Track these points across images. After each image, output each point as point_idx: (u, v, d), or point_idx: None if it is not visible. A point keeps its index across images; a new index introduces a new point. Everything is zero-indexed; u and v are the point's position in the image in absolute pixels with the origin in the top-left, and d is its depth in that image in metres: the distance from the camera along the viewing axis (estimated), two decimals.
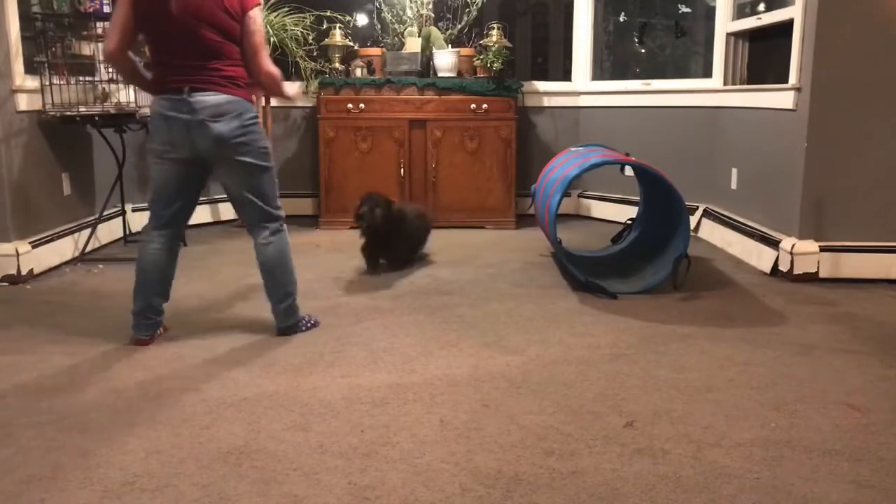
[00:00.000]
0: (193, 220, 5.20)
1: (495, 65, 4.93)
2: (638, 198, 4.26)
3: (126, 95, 4.02)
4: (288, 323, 2.88)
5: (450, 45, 5.21)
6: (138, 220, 4.80)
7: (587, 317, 3.13)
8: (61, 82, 3.82)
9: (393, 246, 3.91)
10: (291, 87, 3.07)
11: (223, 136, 2.61)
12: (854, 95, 3.55)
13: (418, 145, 5.02)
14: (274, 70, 2.71)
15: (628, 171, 4.03)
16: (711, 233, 4.64)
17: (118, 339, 2.81)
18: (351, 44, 5.19)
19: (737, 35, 4.59)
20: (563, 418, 2.16)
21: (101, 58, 3.86)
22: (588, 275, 3.54)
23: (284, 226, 2.84)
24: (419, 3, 5.22)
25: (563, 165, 3.82)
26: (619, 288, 3.47)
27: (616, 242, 4.27)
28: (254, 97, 2.77)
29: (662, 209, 3.72)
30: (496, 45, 4.97)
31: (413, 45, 5.12)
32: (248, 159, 2.67)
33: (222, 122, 2.60)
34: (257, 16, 2.65)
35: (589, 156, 3.83)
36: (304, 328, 2.92)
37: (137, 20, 2.59)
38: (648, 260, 3.70)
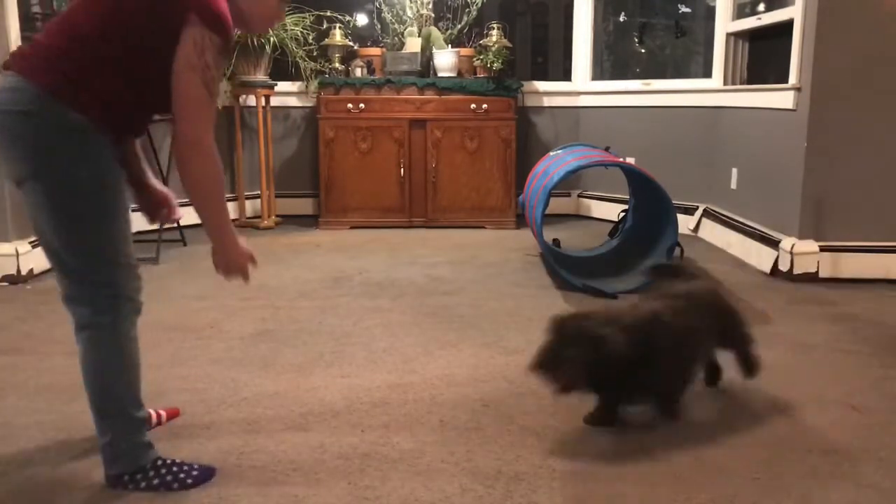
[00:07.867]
0: (193, 220, 5.29)
1: (495, 65, 4.93)
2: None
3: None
4: (112, 471, 1.76)
5: (450, 45, 5.22)
6: (138, 220, 4.79)
7: None
8: None
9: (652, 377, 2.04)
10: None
11: None
12: (854, 95, 3.55)
13: (418, 145, 5.02)
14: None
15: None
16: (711, 233, 4.64)
17: None
18: (351, 44, 5.19)
19: (737, 35, 4.59)
20: (563, 418, 2.16)
21: None
22: (586, 275, 3.54)
23: (109, 317, 1.74)
24: (419, 3, 5.22)
25: (543, 175, 3.84)
26: (618, 287, 3.47)
27: (613, 236, 4.27)
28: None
29: (650, 200, 3.73)
30: (496, 45, 4.98)
31: (413, 45, 5.12)
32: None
33: None
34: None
35: (567, 159, 3.85)
36: (145, 484, 1.75)
37: None
38: (644, 253, 3.70)
